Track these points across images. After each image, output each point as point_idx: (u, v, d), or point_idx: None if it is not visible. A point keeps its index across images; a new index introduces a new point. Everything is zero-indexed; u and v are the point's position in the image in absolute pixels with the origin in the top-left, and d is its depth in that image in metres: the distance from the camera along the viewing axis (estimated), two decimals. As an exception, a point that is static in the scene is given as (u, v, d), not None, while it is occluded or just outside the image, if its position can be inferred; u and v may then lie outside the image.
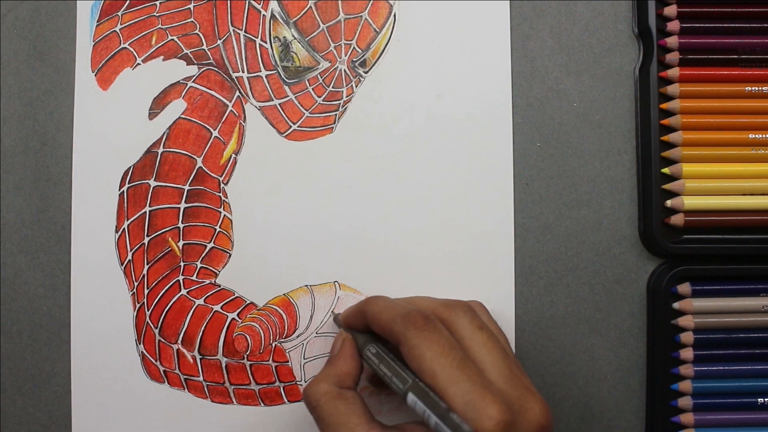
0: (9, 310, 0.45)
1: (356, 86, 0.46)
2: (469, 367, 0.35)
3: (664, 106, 0.45)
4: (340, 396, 0.37)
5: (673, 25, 0.45)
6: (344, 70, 0.46)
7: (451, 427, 0.33)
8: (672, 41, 0.45)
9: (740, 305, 0.44)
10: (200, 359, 0.45)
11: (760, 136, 0.44)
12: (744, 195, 0.44)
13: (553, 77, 0.46)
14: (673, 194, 0.45)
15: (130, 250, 0.45)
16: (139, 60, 0.46)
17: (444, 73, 0.46)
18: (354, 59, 0.46)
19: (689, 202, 0.44)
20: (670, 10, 0.45)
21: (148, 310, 0.45)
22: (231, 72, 0.46)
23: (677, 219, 0.44)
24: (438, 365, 0.35)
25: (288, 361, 0.45)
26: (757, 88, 0.44)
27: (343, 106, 0.46)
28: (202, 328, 0.45)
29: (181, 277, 0.45)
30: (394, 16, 0.46)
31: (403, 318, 0.37)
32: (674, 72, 0.44)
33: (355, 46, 0.46)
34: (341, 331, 0.42)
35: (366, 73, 0.46)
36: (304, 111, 0.46)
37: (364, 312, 0.39)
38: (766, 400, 0.44)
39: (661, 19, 0.45)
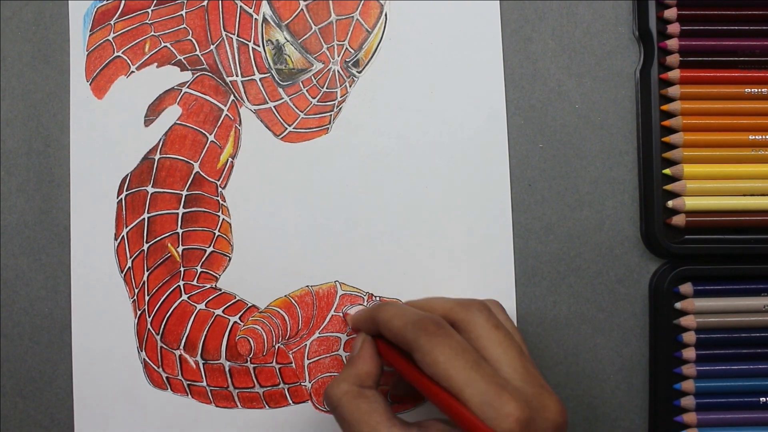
0: (10, 311, 0.45)
1: (350, 86, 0.46)
2: (484, 367, 0.35)
3: (664, 107, 0.45)
4: (361, 395, 0.37)
5: (674, 28, 0.45)
6: (337, 71, 0.46)
7: None
8: (672, 43, 0.45)
9: (742, 305, 0.44)
10: (203, 364, 0.45)
11: (760, 137, 0.45)
12: (744, 195, 0.45)
13: (554, 79, 0.46)
14: (674, 195, 0.45)
15: (130, 257, 0.45)
16: (133, 68, 0.46)
17: (437, 71, 0.46)
18: (347, 59, 0.46)
19: (690, 202, 0.44)
20: (671, 12, 0.45)
21: (149, 317, 0.45)
22: (225, 76, 0.46)
23: (679, 219, 0.44)
24: (452, 368, 0.34)
25: (291, 363, 0.45)
26: (756, 90, 0.45)
27: (337, 107, 0.46)
28: (204, 332, 0.45)
29: (181, 283, 0.45)
30: (385, 15, 0.46)
31: (414, 325, 0.36)
32: (675, 74, 0.45)
33: (348, 47, 0.46)
34: (361, 332, 0.41)
35: (359, 73, 0.46)
36: (299, 113, 0.46)
37: (375, 318, 0.39)
38: (768, 398, 0.44)
39: (662, 22, 0.45)
